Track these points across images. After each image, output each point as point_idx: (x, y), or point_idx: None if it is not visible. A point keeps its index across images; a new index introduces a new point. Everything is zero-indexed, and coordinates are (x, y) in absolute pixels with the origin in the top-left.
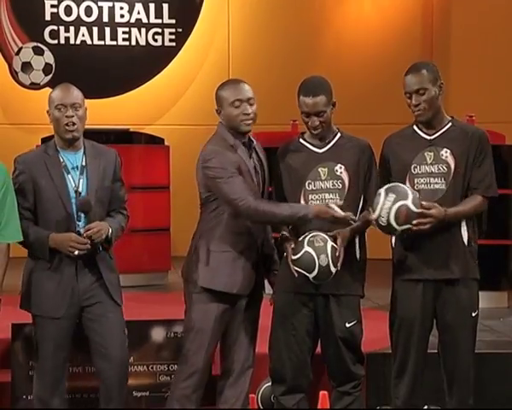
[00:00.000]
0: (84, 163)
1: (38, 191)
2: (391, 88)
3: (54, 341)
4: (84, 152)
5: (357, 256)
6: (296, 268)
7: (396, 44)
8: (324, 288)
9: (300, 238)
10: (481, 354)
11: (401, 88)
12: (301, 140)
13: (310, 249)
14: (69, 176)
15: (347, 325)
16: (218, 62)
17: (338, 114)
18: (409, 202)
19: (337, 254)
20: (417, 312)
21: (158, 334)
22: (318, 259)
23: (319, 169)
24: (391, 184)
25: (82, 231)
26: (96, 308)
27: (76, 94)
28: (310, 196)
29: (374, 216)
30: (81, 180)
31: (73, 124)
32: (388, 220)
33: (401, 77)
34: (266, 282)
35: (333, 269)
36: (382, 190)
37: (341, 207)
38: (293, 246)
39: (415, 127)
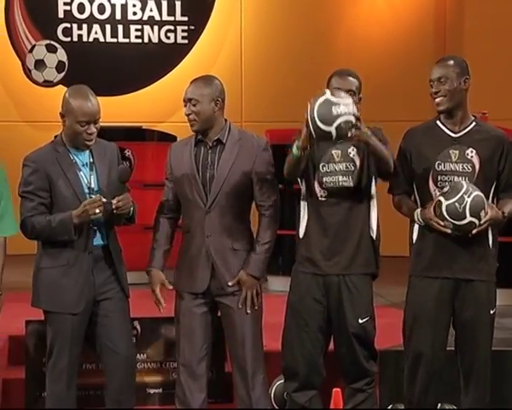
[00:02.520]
0: (91, 160)
1: (54, 189)
2: (403, 84)
3: (71, 337)
4: (91, 149)
5: (374, 236)
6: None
7: (409, 40)
8: (337, 269)
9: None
10: (493, 352)
11: (413, 84)
12: None
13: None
14: (81, 173)
15: (360, 321)
16: (231, 59)
17: None
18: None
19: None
20: (432, 308)
21: (170, 331)
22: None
23: (333, 152)
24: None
25: (114, 201)
26: (109, 304)
27: (98, 107)
28: (324, 178)
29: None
30: (92, 177)
31: (92, 139)
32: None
33: (414, 73)
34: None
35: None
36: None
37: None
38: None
39: (438, 122)
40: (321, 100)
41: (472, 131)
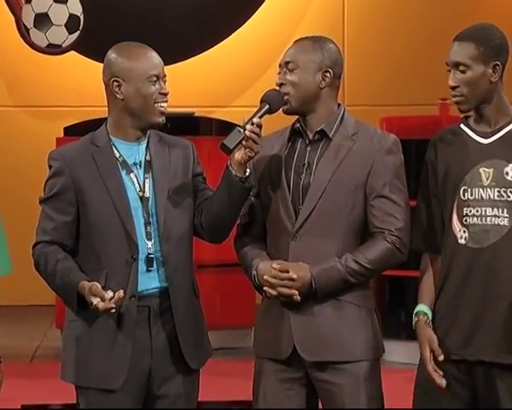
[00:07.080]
0: (148, 157)
1: (83, 201)
2: None
3: None
4: (148, 143)
5: None
6: None
7: None
8: (485, 352)
9: None
10: None
11: None
12: (462, 125)
13: None
14: (131, 175)
15: None
16: (326, 15)
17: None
18: None
19: None
20: None
21: None
22: None
23: (481, 169)
24: None
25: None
26: (166, 383)
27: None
28: (465, 210)
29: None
30: (147, 180)
31: (167, 102)
32: None
33: None
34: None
35: None
36: None
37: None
38: None
39: None
40: None
41: None
